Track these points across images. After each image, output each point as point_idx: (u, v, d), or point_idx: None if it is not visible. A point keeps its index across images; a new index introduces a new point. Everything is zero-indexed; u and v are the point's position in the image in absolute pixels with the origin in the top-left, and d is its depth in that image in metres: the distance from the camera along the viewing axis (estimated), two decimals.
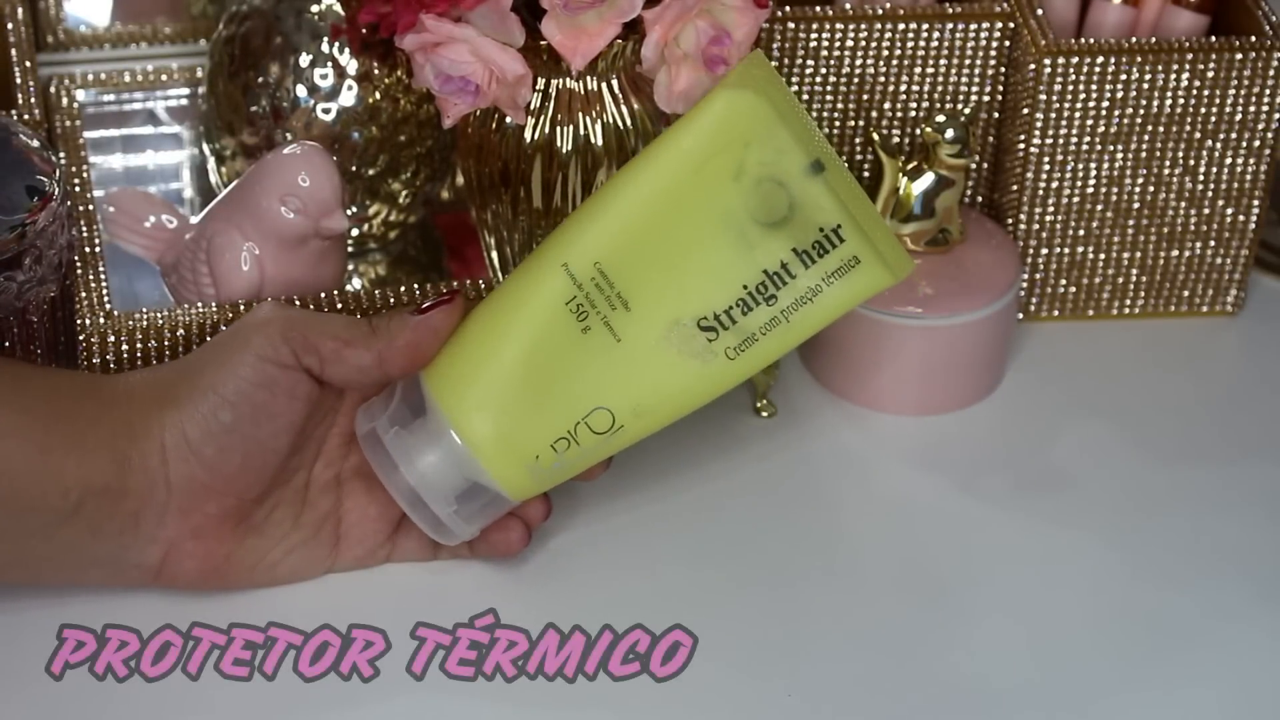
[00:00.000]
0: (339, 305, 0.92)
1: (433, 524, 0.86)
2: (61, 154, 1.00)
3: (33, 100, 0.98)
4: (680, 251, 0.84)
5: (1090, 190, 1.02)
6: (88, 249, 0.94)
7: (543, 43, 0.89)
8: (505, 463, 0.84)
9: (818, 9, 1.01)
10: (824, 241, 0.84)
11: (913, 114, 1.03)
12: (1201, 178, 1.02)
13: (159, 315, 0.92)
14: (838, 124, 1.03)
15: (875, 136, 0.98)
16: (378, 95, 0.99)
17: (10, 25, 1.01)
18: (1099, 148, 1.01)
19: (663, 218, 0.84)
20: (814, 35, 1.01)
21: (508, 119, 0.92)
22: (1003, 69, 1.03)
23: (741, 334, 0.84)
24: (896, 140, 1.04)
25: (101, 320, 0.91)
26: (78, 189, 0.97)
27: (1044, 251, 1.03)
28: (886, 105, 1.03)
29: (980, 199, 1.06)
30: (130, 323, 0.91)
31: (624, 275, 0.84)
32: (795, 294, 0.84)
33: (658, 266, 0.84)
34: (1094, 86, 0.99)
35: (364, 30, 0.92)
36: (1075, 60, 0.99)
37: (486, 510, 0.86)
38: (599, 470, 0.87)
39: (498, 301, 0.85)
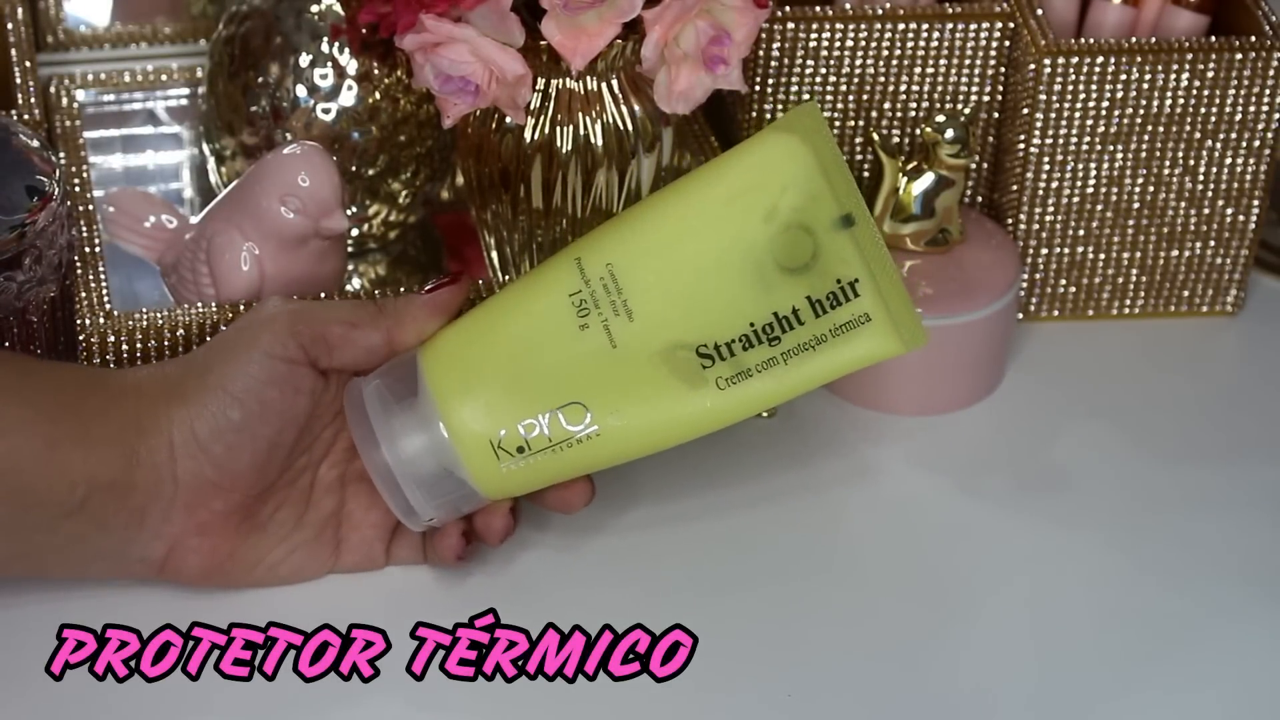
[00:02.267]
0: None
1: (397, 498, 0.85)
2: (61, 154, 1.00)
3: (33, 100, 0.98)
4: (696, 276, 0.84)
5: (1090, 190, 1.02)
6: (88, 249, 0.94)
7: (543, 43, 0.89)
8: (473, 440, 0.84)
9: (818, 9, 1.01)
10: (839, 294, 0.83)
11: (913, 114, 1.03)
12: (1201, 178, 1.02)
13: (159, 315, 0.92)
14: (838, 124, 1.03)
15: (875, 136, 0.98)
16: (378, 95, 0.99)
17: (10, 25, 1.01)
18: (1099, 148, 1.01)
19: (685, 239, 0.84)
20: (814, 35, 1.01)
21: (508, 119, 0.92)
22: (1003, 69, 1.03)
23: (736, 367, 0.84)
24: (896, 140, 1.04)
25: (101, 320, 0.91)
26: (78, 189, 0.97)
27: (1044, 251, 1.03)
28: (886, 105, 1.03)
29: (980, 199, 1.06)
30: (130, 323, 0.91)
31: (633, 284, 0.84)
32: (799, 339, 0.84)
33: (669, 285, 0.84)
34: (1094, 86, 0.99)
35: (364, 30, 0.92)
36: (1075, 60, 0.99)
37: (454, 500, 0.85)
38: (579, 500, 0.87)
39: (508, 286, 0.85)
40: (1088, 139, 1.01)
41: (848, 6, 1.02)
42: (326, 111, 0.99)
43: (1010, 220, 1.03)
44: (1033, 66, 0.99)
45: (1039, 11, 1.01)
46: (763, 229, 0.84)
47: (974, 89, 1.03)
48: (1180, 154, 1.01)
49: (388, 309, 0.85)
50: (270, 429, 0.84)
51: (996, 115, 1.04)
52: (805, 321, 0.84)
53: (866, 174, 1.04)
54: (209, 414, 0.83)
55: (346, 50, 0.99)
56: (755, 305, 0.84)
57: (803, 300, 0.84)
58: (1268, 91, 1.00)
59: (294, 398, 0.84)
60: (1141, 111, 1.00)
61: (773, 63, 1.01)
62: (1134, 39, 1.01)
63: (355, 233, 1.02)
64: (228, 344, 0.85)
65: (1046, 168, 1.01)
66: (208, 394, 0.84)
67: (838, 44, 1.01)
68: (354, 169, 1.00)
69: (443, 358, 0.84)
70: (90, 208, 0.96)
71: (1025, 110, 1.01)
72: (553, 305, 0.84)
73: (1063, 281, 1.04)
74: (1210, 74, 1.00)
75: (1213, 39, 1.00)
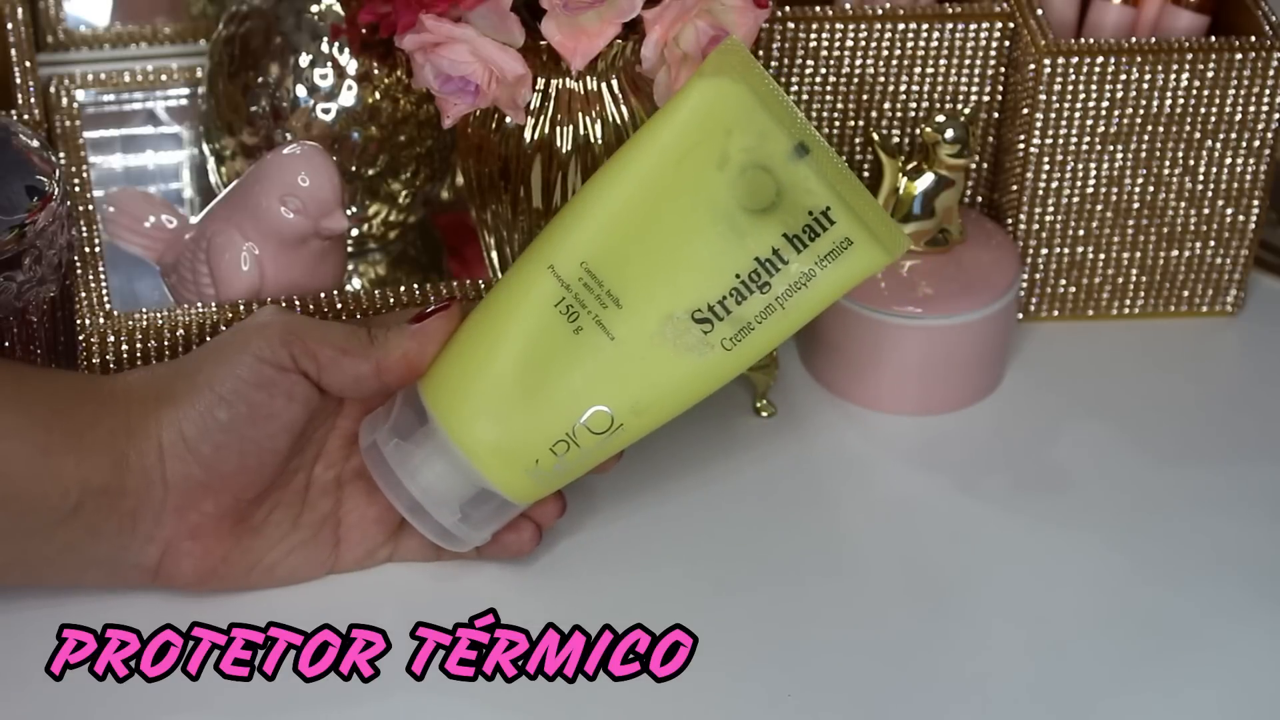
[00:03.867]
0: (339, 306, 0.92)
1: (440, 533, 0.86)
2: (61, 154, 1.00)
3: (33, 100, 0.98)
4: (669, 245, 0.83)
5: (1090, 190, 1.02)
6: (88, 249, 0.94)
7: (543, 43, 0.89)
8: (506, 469, 0.84)
9: (818, 9, 1.01)
10: (814, 225, 0.83)
11: (913, 114, 1.03)
12: (1201, 178, 1.02)
13: (159, 315, 0.92)
14: (838, 124, 1.03)
15: (875, 136, 0.98)
16: (378, 95, 0.99)
17: (10, 25, 1.01)
18: (1099, 148, 1.01)
19: (648, 213, 0.83)
20: (814, 35, 1.01)
21: (508, 119, 0.92)
22: (1003, 69, 1.03)
23: (737, 324, 0.83)
24: (896, 140, 1.04)
25: (101, 320, 0.91)
26: (78, 189, 0.97)
27: (1044, 251, 1.03)
28: (886, 105, 1.03)
29: (980, 199, 1.06)
30: (130, 323, 0.91)
31: (612, 273, 0.83)
32: (789, 280, 0.83)
33: (647, 261, 0.83)
34: (1094, 86, 0.99)
35: (364, 30, 0.92)
36: (1075, 60, 0.99)
37: (495, 515, 0.86)
38: (612, 463, 0.87)
39: (488, 308, 0.85)
40: (1088, 139, 1.01)
41: (848, 6, 1.02)
42: (326, 111, 0.99)
43: (1010, 220, 1.03)
44: (1033, 66, 0.99)
45: (1039, 11, 1.01)
46: (719, 178, 0.83)
47: (974, 89, 1.03)
48: (1180, 154, 1.01)
49: (379, 340, 0.85)
50: (259, 432, 0.84)
51: (996, 115, 1.04)
52: (789, 260, 0.83)
53: (867, 174, 1.04)
54: (196, 414, 0.83)
55: (346, 50, 0.99)
56: (735, 255, 0.83)
57: (780, 239, 0.83)
58: (1268, 91, 1.00)
59: (285, 403, 0.84)
60: (1141, 111, 1.00)
61: (773, 63, 1.01)
62: (1134, 39, 1.01)
63: (355, 233, 1.02)
64: (219, 346, 0.85)
65: (1046, 168, 1.01)
66: (196, 394, 0.84)
67: (838, 44, 1.01)
68: (354, 169, 1.00)
69: (449, 396, 0.84)
70: (90, 208, 0.96)
71: (1025, 110, 1.01)
72: (542, 320, 0.83)
73: (1063, 281, 1.04)
74: (1210, 74, 1.00)
75: (1213, 39, 1.00)
